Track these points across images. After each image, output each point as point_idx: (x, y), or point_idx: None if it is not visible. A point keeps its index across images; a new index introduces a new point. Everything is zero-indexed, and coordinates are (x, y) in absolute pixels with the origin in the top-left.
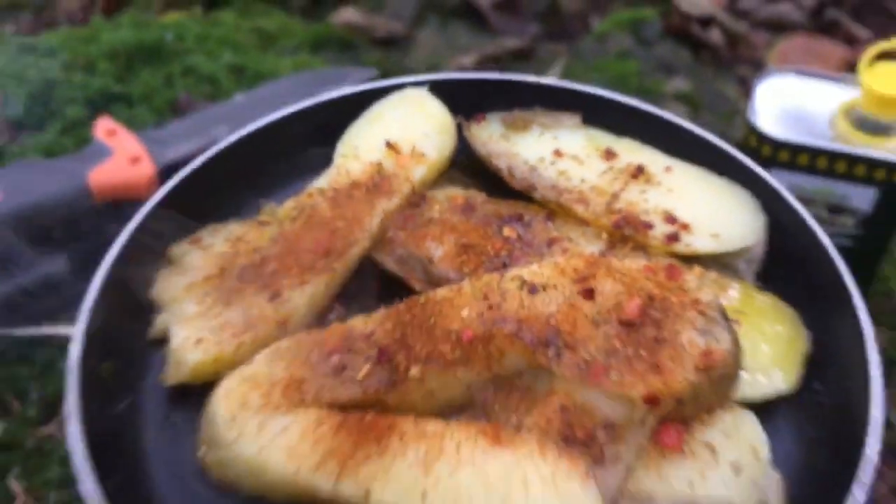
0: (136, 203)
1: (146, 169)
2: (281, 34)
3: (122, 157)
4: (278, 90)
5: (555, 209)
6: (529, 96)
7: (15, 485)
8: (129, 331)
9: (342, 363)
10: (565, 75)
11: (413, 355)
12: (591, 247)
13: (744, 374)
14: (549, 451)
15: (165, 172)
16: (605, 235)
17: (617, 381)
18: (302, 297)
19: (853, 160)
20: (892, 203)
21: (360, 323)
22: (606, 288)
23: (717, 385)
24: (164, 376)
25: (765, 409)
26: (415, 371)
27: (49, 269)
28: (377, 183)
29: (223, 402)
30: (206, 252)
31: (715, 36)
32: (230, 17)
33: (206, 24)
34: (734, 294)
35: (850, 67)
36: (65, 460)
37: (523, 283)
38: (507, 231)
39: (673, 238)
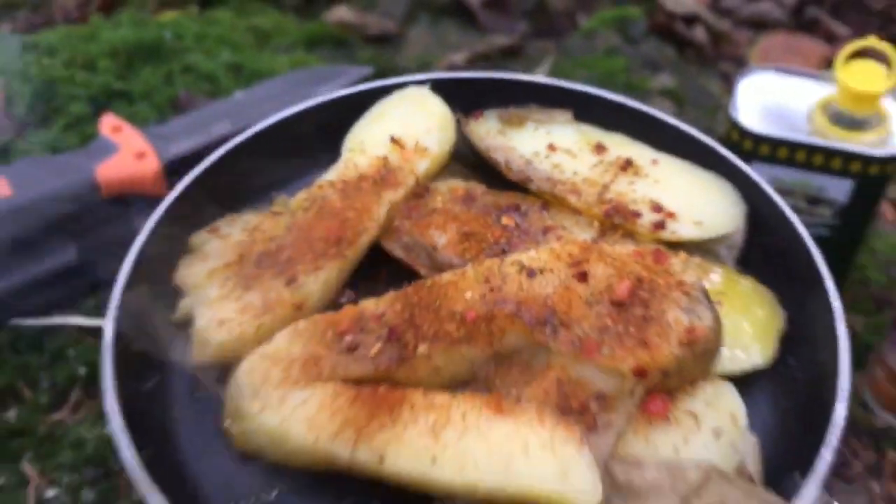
0: (143, 197)
1: (152, 164)
2: (276, 32)
3: (128, 152)
4: (276, 87)
5: (549, 199)
6: (524, 94)
7: (28, 468)
8: (155, 314)
9: (355, 342)
10: (554, 72)
11: (421, 334)
12: (583, 234)
13: (724, 350)
14: (546, 419)
15: (170, 167)
16: (596, 224)
17: (608, 355)
18: (316, 281)
19: (830, 153)
20: (866, 194)
21: (371, 305)
22: (598, 271)
23: (699, 359)
24: (190, 355)
25: (743, 382)
26: (422, 349)
27: (58, 260)
28: (383, 176)
29: (246, 377)
30: (224, 241)
31: (699, 34)
32: (226, 15)
33: (203, 23)
34: (716, 278)
35: (830, 64)
36: (76, 445)
37: (522, 267)
38: (505, 220)
39: (659, 226)
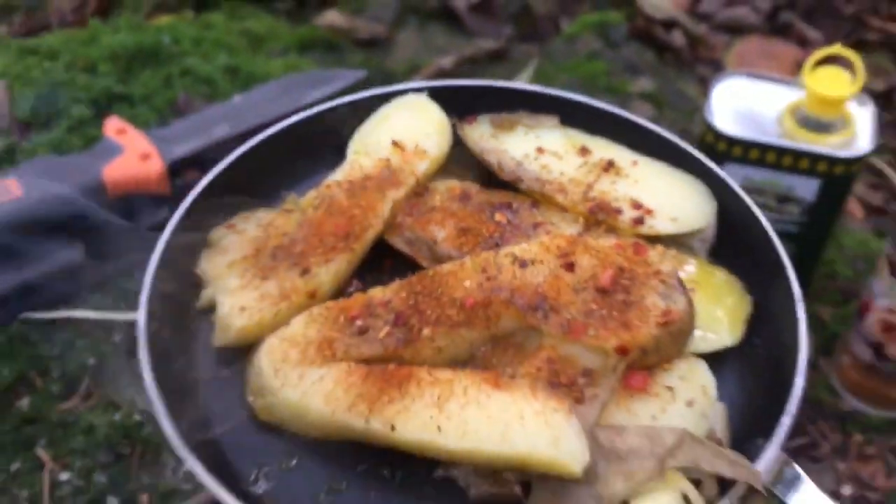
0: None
1: (156, 165)
2: (269, 36)
3: (132, 153)
4: (273, 91)
5: (538, 198)
6: (514, 101)
7: (42, 453)
8: (180, 302)
9: (365, 325)
10: (538, 75)
11: (424, 318)
12: (570, 229)
13: (697, 331)
14: (539, 392)
15: (172, 168)
16: (581, 220)
17: (594, 336)
18: (328, 272)
19: (798, 154)
20: (832, 193)
21: (378, 293)
22: (584, 262)
23: (674, 339)
24: (213, 339)
25: (714, 359)
26: (426, 331)
27: (66, 257)
28: (386, 176)
29: (267, 357)
30: (241, 236)
31: (677, 38)
32: (220, 19)
33: (198, 27)
34: (690, 268)
35: (802, 67)
36: (87, 431)
37: (515, 258)
38: (498, 216)
39: (639, 221)
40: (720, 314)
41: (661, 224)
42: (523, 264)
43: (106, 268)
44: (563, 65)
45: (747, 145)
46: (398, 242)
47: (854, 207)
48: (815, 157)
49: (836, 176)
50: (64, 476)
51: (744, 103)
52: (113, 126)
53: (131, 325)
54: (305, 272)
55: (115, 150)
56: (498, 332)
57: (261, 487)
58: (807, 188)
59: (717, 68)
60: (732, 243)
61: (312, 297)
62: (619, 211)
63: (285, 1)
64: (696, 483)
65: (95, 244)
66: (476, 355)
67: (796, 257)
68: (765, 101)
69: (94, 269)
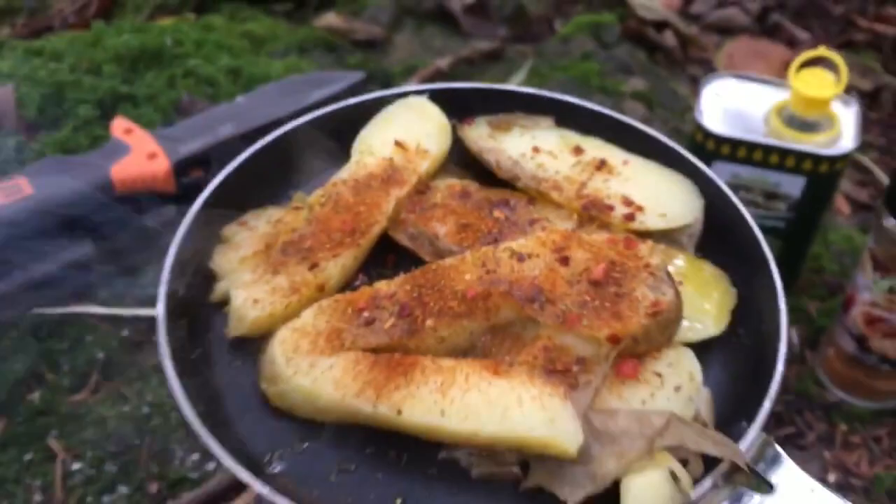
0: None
1: (163, 164)
2: (269, 38)
3: (140, 153)
4: (275, 92)
5: (535, 195)
6: (511, 102)
7: (54, 444)
8: (195, 295)
9: (372, 317)
10: (532, 75)
11: (427, 310)
12: (564, 225)
13: (684, 321)
14: (536, 379)
15: (178, 167)
16: (575, 216)
17: (587, 326)
18: (335, 267)
19: (784, 153)
20: (818, 190)
21: (384, 286)
22: (578, 256)
23: (663, 328)
24: (227, 330)
25: (700, 348)
26: (429, 322)
27: (76, 254)
28: (390, 175)
29: (279, 347)
30: (252, 232)
31: (668, 38)
32: (220, 21)
33: (200, 29)
34: (679, 262)
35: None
36: (97, 422)
37: (513, 253)
38: (496, 213)
39: (630, 217)
40: (706, 306)
41: (650, 220)
42: (521, 258)
43: (114, 264)
44: (557, 65)
45: (735, 144)
46: (402, 238)
47: (841, 204)
48: (801, 156)
49: (821, 173)
50: (76, 466)
51: (732, 103)
52: (120, 126)
53: (139, 320)
54: (314, 266)
55: (122, 150)
56: (497, 323)
57: (276, 468)
58: (793, 185)
59: (709, 68)
60: (719, 238)
61: (321, 291)
62: (611, 207)
63: (284, 3)
64: (684, 462)
65: (104, 241)
66: (476, 344)
67: (783, 252)
68: (752, 101)
69: (102, 266)
